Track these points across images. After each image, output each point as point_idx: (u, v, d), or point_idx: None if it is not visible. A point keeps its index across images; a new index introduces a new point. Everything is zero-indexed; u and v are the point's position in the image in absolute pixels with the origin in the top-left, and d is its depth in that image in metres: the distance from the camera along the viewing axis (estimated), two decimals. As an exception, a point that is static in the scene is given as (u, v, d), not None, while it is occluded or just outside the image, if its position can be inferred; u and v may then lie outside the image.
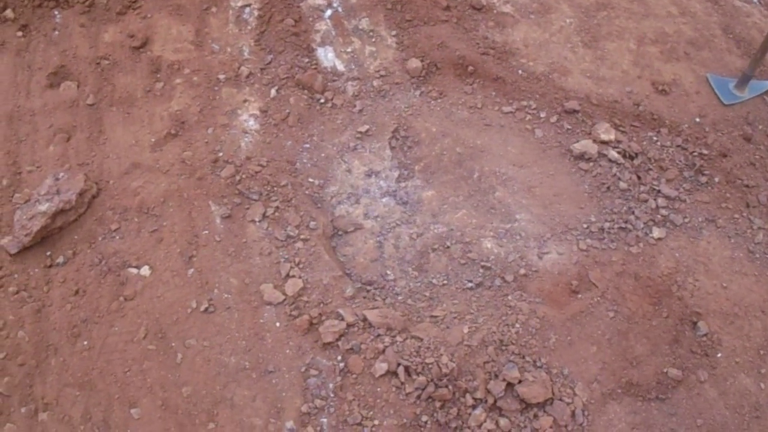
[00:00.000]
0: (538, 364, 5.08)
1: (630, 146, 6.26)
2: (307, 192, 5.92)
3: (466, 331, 5.11)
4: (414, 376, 4.86)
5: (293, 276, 5.36)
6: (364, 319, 5.14)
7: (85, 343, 5.16)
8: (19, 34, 6.77)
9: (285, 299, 5.26)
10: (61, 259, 5.48)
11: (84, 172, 5.78)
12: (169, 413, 4.89)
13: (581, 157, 6.22)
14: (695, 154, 6.33)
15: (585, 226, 5.86)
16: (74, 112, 6.27)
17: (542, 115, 6.54)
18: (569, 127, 6.47)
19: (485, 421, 4.85)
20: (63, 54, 6.63)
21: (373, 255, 5.71)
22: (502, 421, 4.86)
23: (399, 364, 4.89)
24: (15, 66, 6.55)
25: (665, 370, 5.21)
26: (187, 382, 4.98)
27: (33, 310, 5.29)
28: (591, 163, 6.19)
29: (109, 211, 5.70)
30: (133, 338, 5.15)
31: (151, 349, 5.10)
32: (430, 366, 4.87)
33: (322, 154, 6.20)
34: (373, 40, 6.96)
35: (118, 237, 5.58)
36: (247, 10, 6.97)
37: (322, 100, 6.52)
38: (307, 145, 6.22)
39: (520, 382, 4.92)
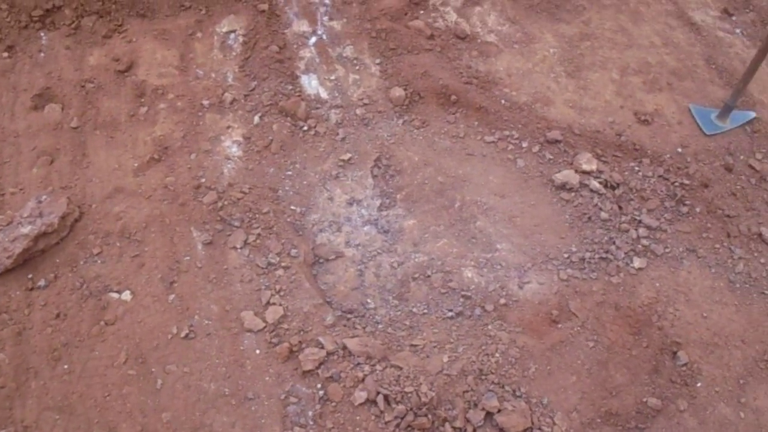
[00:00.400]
0: (518, 393, 5.08)
1: (612, 176, 6.29)
2: (288, 219, 5.92)
3: (445, 360, 5.11)
4: (393, 405, 4.86)
5: (274, 303, 5.36)
6: (344, 348, 5.14)
7: (66, 366, 5.14)
8: (5, 55, 6.78)
9: (265, 326, 5.25)
10: (42, 282, 5.47)
11: (67, 196, 5.77)
12: (149, 439, 4.89)
13: (563, 187, 6.24)
14: (677, 184, 6.35)
15: (566, 256, 5.88)
16: (58, 134, 6.28)
17: (524, 144, 6.56)
18: (551, 157, 6.49)
19: (464, 450, 4.87)
20: (48, 76, 6.64)
21: (354, 283, 5.72)
22: (482, 451, 4.87)
23: (378, 393, 4.89)
24: (0, 87, 6.54)
25: (645, 400, 5.22)
26: (166, 407, 4.96)
27: (14, 332, 5.27)
28: (572, 193, 6.21)
29: (91, 235, 5.69)
30: (113, 363, 5.13)
31: (132, 374, 5.09)
32: (409, 395, 4.87)
33: (305, 182, 6.21)
34: (357, 68, 6.98)
35: (99, 261, 5.57)
36: (232, 36, 7.00)
37: (305, 128, 6.53)
38: (290, 173, 6.23)
39: (499, 411, 4.92)
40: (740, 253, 6.06)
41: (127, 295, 5.43)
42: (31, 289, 5.47)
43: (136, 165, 6.10)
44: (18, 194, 5.91)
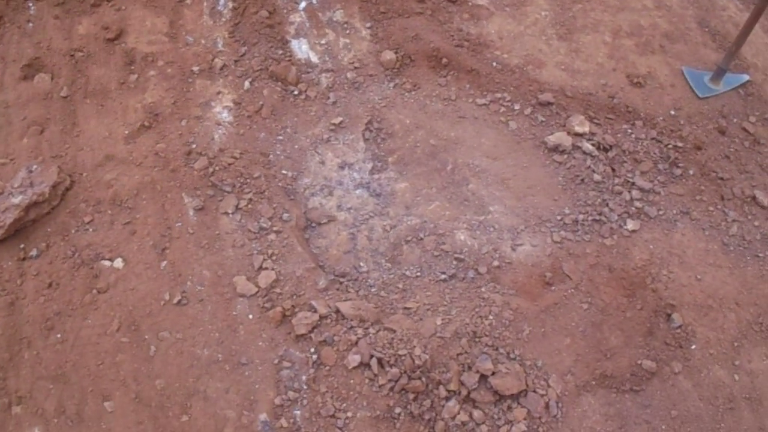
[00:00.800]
0: (512, 355, 5.07)
1: (604, 138, 6.27)
2: (280, 184, 5.90)
3: (439, 322, 5.10)
4: (387, 368, 4.86)
5: (266, 268, 5.35)
6: (337, 311, 5.13)
7: (59, 336, 5.14)
8: (-7, 26, 6.75)
9: (258, 291, 5.25)
10: (34, 252, 5.46)
11: (57, 165, 5.75)
12: (143, 406, 4.88)
13: (555, 149, 6.22)
14: (670, 146, 6.34)
15: (559, 218, 5.87)
16: (48, 104, 6.25)
17: (516, 107, 6.54)
18: (543, 119, 6.47)
19: (459, 413, 4.84)
20: (37, 46, 6.60)
21: (347, 247, 5.71)
22: (476, 413, 4.85)
23: (372, 356, 4.88)
24: (-11, 58, 6.53)
25: (639, 362, 5.22)
26: (160, 374, 4.96)
27: (6, 303, 5.26)
28: (565, 156, 6.20)
29: (82, 203, 5.67)
30: (106, 331, 5.13)
31: (125, 341, 5.08)
32: (403, 358, 4.86)
33: (296, 146, 6.19)
34: (348, 32, 6.95)
35: (91, 229, 5.56)
36: (222, 1, 6.96)
37: (296, 92, 6.51)
38: (281, 137, 6.21)
39: (493, 373, 4.91)
40: (734, 215, 6.04)
41: (119, 263, 5.41)
42: (23, 259, 5.46)
43: (126, 132, 6.08)
44: (9, 165, 5.89)
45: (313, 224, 5.82)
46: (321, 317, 5.09)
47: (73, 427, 4.85)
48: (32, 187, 5.50)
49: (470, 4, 7.14)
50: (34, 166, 5.67)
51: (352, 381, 4.86)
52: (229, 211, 5.61)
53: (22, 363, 5.07)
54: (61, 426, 4.86)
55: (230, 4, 6.93)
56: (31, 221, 5.54)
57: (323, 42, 6.86)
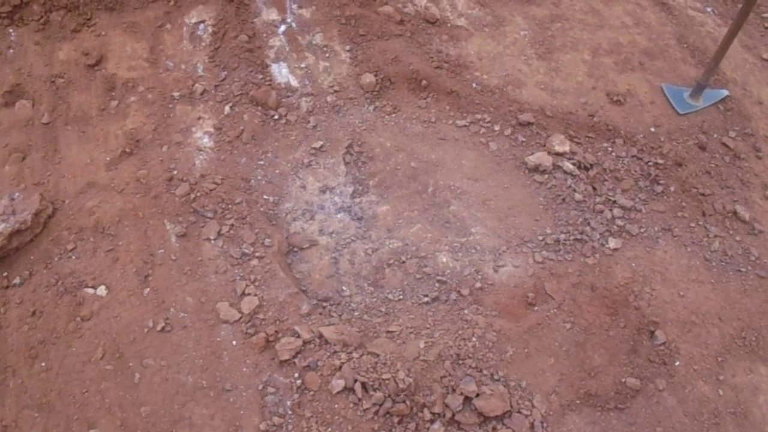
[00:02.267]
0: (496, 377, 5.08)
1: (585, 157, 6.29)
2: (261, 209, 5.91)
3: (422, 345, 5.11)
4: (371, 392, 4.86)
5: (249, 294, 5.35)
6: (321, 336, 5.14)
7: (43, 364, 5.12)
8: (-26, 52, 6.75)
9: (241, 317, 5.25)
10: (17, 280, 5.45)
11: (39, 192, 5.75)
12: (129, 433, 4.88)
13: (536, 169, 6.24)
14: (650, 163, 6.36)
15: (540, 238, 5.88)
16: (29, 131, 6.25)
17: (496, 128, 6.56)
18: (524, 139, 6.49)
19: (444, 436, 4.86)
20: (18, 72, 6.60)
21: (329, 271, 5.71)
22: (461, 435, 4.87)
23: (356, 381, 4.89)
24: (-30, 85, 6.53)
25: (624, 380, 5.24)
26: (145, 401, 4.95)
27: (-10, 332, 5.26)
28: (546, 175, 6.22)
29: (65, 231, 5.67)
30: (90, 359, 5.12)
31: (109, 369, 5.07)
32: (387, 382, 4.86)
33: (277, 171, 6.19)
34: (327, 55, 6.96)
35: (74, 257, 5.55)
36: (201, 26, 6.97)
37: (276, 117, 6.52)
38: (262, 162, 6.21)
39: (477, 395, 4.91)
40: (715, 231, 6.07)
41: (102, 290, 5.41)
42: (7, 287, 5.45)
43: (108, 159, 6.07)
44: (-10, 192, 5.89)
45: (295, 249, 5.82)
46: (304, 342, 5.10)
47: (59, 455, 4.85)
48: (14, 215, 5.49)
49: (449, 25, 7.17)
50: (16, 194, 5.66)
51: (336, 405, 4.86)
52: (212, 237, 5.61)
53: (6, 392, 5.06)
54: (47, 455, 4.86)
55: (210, 29, 6.94)
56: (14, 249, 5.54)
57: (303, 66, 6.87)
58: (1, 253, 5.46)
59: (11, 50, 6.77)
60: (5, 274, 5.48)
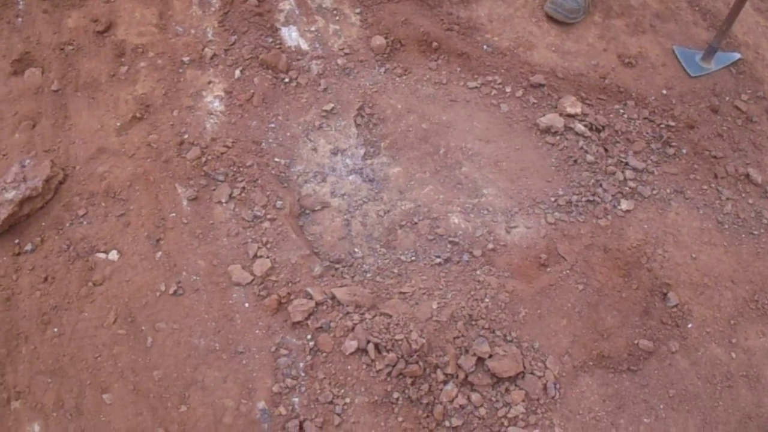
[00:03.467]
0: (509, 338, 5.07)
1: (596, 119, 6.26)
2: (273, 172, 5.89)
3: (435, 306, 5.10)
4: (384, 353, 4.85)
5: (261, 256, 5.34)
6: (333, 297, 5.13)
7: (56, 330, 5.12)
8: (-19, 23, 6.74)
9: (253, 279, 5.23)
10: (29, 247, 5.44)
11: (50, 159, 5.74)
12: (141, 397, 4.87)
13: (548, 130, 6.21)
14: (662, 126, 6.34)
15: (553, 199, 5.86)
16: (39, 98, 6.23)
17: (508, 89, 6.52)
18: (535, 101, 6.46)
19: (457, 396, 4.84)
20: (27, 41, 6.58)
21: (341, 233, 5.70)
22: (474, 396, 4.85)
23: (369, 342, 4.88)
24: (-22, 55, 6.52)
25: (636, 342, 5.22)
26: (157, 365, 4.95)
27: (2, 298, 5.24)
28: (557, 137, 6.19)
29: (76, 196, 5.66)
30: (102, 323, 5.11)
31: (121, 333, 5.07)
32: (399, 342, 4.86)
33: (288, 134, 6.17)
34: (337, 18, 6.93)
35: (85, 222, 5.54)
36: (210, -9, 6.96)
37: (287, 80, 6.49)
38: (272, 125, 6.19)
39: (490, 356, 4.90)
40: (728, 193, 6.05)
41: (114, 255, 5.40)
42: (18, 254, 5.44)
43: (118, 124, 6.06)
44: (1, 160, 5.86)
45: (307, 211, 5.80)
46: (317, 304, 5.09)
47: (72, 420, 4.84)
48: (25, 182, 5.48)
49: (460, -13, 7.14)
50: (27, 161, 5.65)
51: (349, 367, 4.86)
52: (223, 200, 5.60)
53: (19, 358, 5.06)
54: (60, 420, 4.85)
55: (219, -6, 6.93)
56: (25, 216, 5.52)
57: (313, 29, 6.85)
58: (13, 220, 5.45)
59: (19, 19, 6.75)
60: (17, 241, 5.48)
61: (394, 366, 4.82)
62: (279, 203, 5.64)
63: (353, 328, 4.96)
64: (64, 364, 5.00)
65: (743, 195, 6.07)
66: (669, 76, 6.66)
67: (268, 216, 5.56)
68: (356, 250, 5.63)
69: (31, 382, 4.97)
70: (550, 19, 6.98)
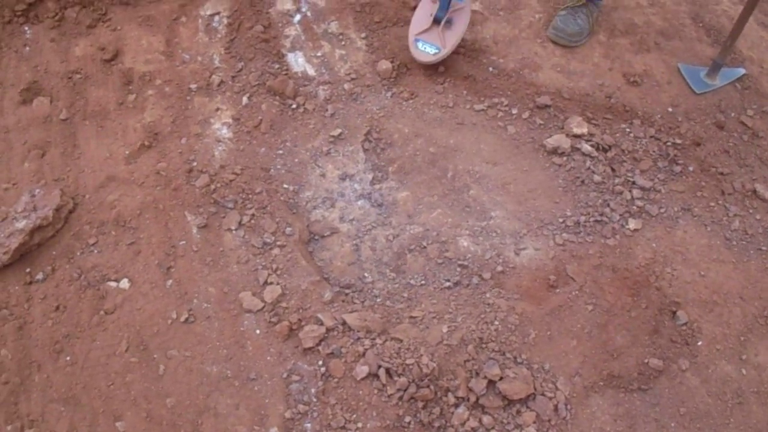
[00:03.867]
0: (519, 360, 5.08)
1: (603, 139, 6.27)
2: (282, 198, 5.90)
3: (445, 330, 5.10)
4: (395, 378, 4.85)
5: (271, 283, 5.35)
6: (344, 323, 5.13)
7: (68, 358, 5.14)
8: (-10, 51, 6.78)
9: (264, 306, 5.25)
10: (40, 276, 5.47)
11: (60, 188, 5.76)
12: (154, 425, 4.88)
13: (554, 151, 6.23)
14: (669, 144, 6.35)
15: (561, 220, 5.87)
16: (48, 127, 6.27)
17: (514, 111, 6.54)
18: (541, 122, 6.48)
19: (468, 419, 4.84)
20: (35, 70, 6.62)
21: (351, 258, 5.71)
22: (486, 419, 4.85)
23: (380, 366, 4.88)
24: (-13, 84, 6.55)
25: (646, 361, 5.22)
26: (170, 393, 4.97)
27: (14, 327, 5.27)
28: (564, 158, 6.20)
29: (86, 225, 5.68)
30: (115, 351, 5.13)
31: (134, 361, 5.09)
32: (410, 367, 4.86)
33: (296, 160, 6.19)
34: (343, 43, 6.96)
35: (96, 251, 5.57)
36: (217, 18, 6.97)
37: (294, 106, 6.51)
38: (281, 151, 6.21)
39: (501, 379, 4.90)
40: (735, 210, 6.05)
41: (125, 283, 5.42)
42: (30, 283, 5.47)
43: (127, 153, 6.09)
44: (11, 189, 5.90)
45: (317, 237, 5.82)
46: (328, 330, 5.09)
47: (86, 449, 4.87)
48: (35, 211, 5.51)
49: (464, 10, 7.16)
50: (37, 190, 5.68)
51: (361, 392, 4.87)
52: (233, 228, 5.62)
53: (32, 386, 5.08)
54: (74, 448, 4.89)
55: (225, 20, 6.94)
56: (36, 245, 5.55)
57: (319, 54, 6.87)
58: (24, 250, 5.48)
59: (27, 48, 6.79)
60: (28, 270, 5.50)
61: (405, 390, 4.82)
62: (288, 230, 5.66)
63: (364, 354, 4.96)
64: (77, 392, 5.02)
65: (751, 211, 6.07)
66: (674, 93, 6.68)
67: (278, 242, 5.58)
68: (366, 275, 5.64)
69: (44, 410, 4.99)
70: (554, 43, 7.01)
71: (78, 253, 5.56)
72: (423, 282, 5.60)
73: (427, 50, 6.42)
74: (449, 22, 6.56)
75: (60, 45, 6.79)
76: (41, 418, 4.97)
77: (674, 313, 5.44)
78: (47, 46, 6.78)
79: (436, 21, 6.49)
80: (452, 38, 6.55)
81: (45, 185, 5.84)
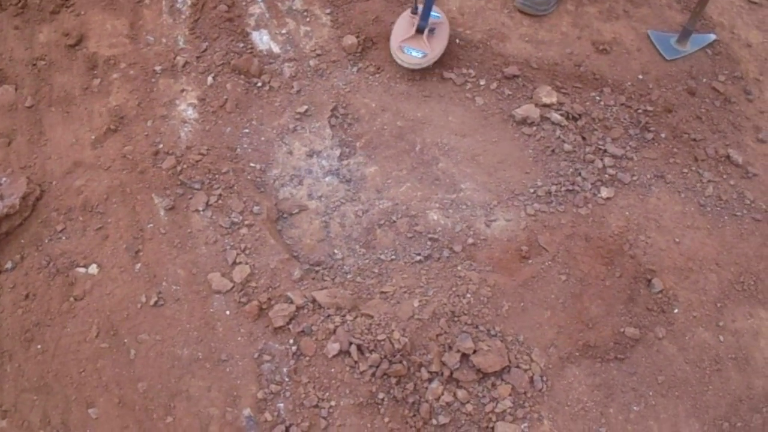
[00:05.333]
0: (492, 332, 5.05)
1: (573, 108, 6.25)
2: (249, 177, 5.86)
3: (416, 304, 5.07)
4: (367, 354, 4.82)
5: (240, 263, 5.31)
6: (314, 301, 5.10)
7: (39, 346, 5.10)
8: (-47, 40, 6.71)
9: (233, 286, 5.20)
10: (9, 265, 5.42)
11: (26, 175, 5.71)
12: (127, 410, 4.85)
13: (524, 122, 6.19)
14: (640, 111, 6.33)
15: (532, 190, 5.85)
16: (13, 115, 6.21)
17: (482, 82, 6.51)
18: (510, 92, 6.44)
19: (443, 394, 4.82)
20: (-1, 58, 6.57)
21: (320, 235, 5.67)
22: (460, 393, 4.83)
23: (351, 343, 4.85)
24: (-49, 74, 6.49)
25: (622, 330, 5.20)
26: (142, 377, 4.93)
27: (-16, 317, 5.24)
28: (534, 128, 6.17)
29: (53, 212, 5.64)
30: (85, 338, 5.09)
31: (104, 347, 5.04)
32: (382, 343, 4.83)
33: (262, 138, 6.15)
34: (308, 19, 6.90)
35: (64, 237, 5.52)
36: (180, -1, 6.94)
37: (260, 84, 6.47)
38: (247, 130, 6.17)
39: (474, 352, 4.88)
40: (709, 176, 6.03)
41: (93, 269, 5.37)
42: (-1, 273, 5.43)
43: (93, 137, 6.03)
44: (-23, 180, 5.87)
45: (285, 215, 5.78)
46: (298, 308, 5.06)
47: (60, 437, 4.83)
48: (2, 200, 5.46)
49: (429, -18, 7.12)
50: (3, 179, 5.63)
51: (333, 370, 4.83)
52: (200, 209, 5.57)
53: (4, 377, 5.04)
54: (48, 437, 4.85)
55: (189, 1, 6.87)
56: (4, 234, 5.50)
57: (284, 32, 6.82)
58: (-8, 239, 5.45)
59: (-10, 36, 6.75)
60: (-4, 259, 5.47)
61: (377, 367, 4.79)
62: (256, 208, 5.61)
63: (335, 331, 4.93)
64: (49, 380, 4.98)
65: (724, 177, 6.06)
66: (645, 60, 6.65)
67: (246, 222, 5.54)
68: (336, 251, 5.61)
69: (17, 400, 4.95)
70: (522, 13, 6.96)
71: (46, 241, 5.51)
72: (393, 257, 5.57)
73: (413, 54, 6.39)
74: (431, 32, 6.53)
75: (23, 32, 6.72)
76: (14, 408, 4.94)
77: (649, 281, 5.42)
78: (11, 33, 6.71)
79: (420, 30, 6.47)
80: (438, 45, 6.53)
81: (11, 174, 5.78)
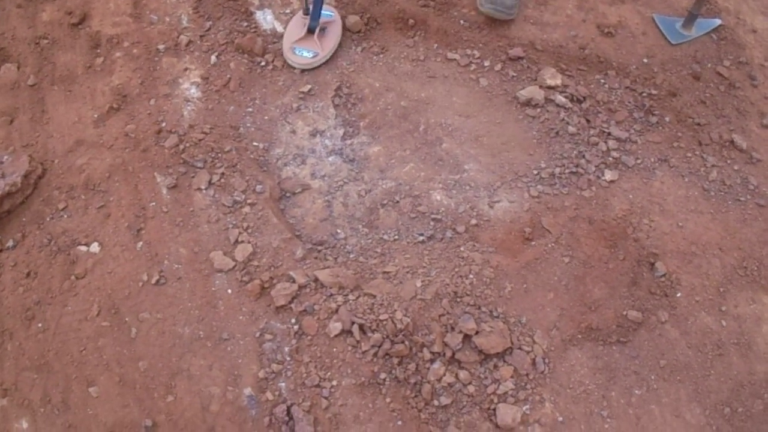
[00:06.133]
0: (495, 314, 5.04)
1: (577, 90, 6.23)
2: (252, 156, 5.85)
3: (419, 285, 5.07)
4: (369, 334, 4.82)
5: (242, 241, 5.30)
6: (316, 280, 5.09)
7: (40, 325, 5.09)
8: (-45, 20, 6.70)
9: (235, 265, 5.20)
10: (10, 243, 5.41)
11: (28, 154, 5.70)
12: (128, 389, 4.84)
13: (528, 103, 6.17)
14: (644, 94, 6.31)
15: (535, 172, 5.83)
16: (16, 94, 6.20)
17: (486, 63, 6.49)
18: (514, 74, 6.43)
19: (445, 375, 4.81)
20: (1, 36, 6.55)
21: (323, 215, 5.66)
22: (462, 374, 4.82)
23: (353, 323, 4.84)
24: (-47, 53, 6.48)
25: (625, 313, 5.19)
26: (143, 356, 4.92)
27: (-15, 296, 5.23)
28: (538, 109, 6.15)
29: (55, 190, 5.62)
30: (86, 316, 5.08)
31: (105, 325, 5.04)
32: (384, 322, 4.82)
33: (266, 117, 6.13)
34: (312, -2, 6.90)
35: (66, 216, 5.51)
36: (184, -23, 6.91)
37: (263, 63, 6.45)
38: (250, 109, 6.16)
39: (477, 333, 4.87)
40: (713, 160, 6.01)
41: (95, 247, 5.37)
42: (0, 251, 5.41)
43: (95, 116, 6.02)
44: (-21, 158, 5.85)
45: (288, 194, 5.76)
46: (300, 287, 5.05)
47: (60, 415, 4.81)
48: (4, 178, 5.45)
49: (435, -37, 7.09)
50: (5, 157, 5.62)
51: (335, 349, 4.83)
52: (202, 187, 5.56)
53: (5, 355, 5.03)
54: (48, 415, 4.83)
55: (193, -20, 6.88)
56: (6, 212, 5.50)
57: (288, 11, 6.80)
58: (-7, 217, 5.44)
59: (-7, 15, 6.73)
60: (-2, 237, 5.46)
61: (379, 346, 4.78)
62: (259, 187, 5.60)
63: (337, 310, 4.93)
64: (49, 359, 4.98)
65: (728, 161, 6.03)
66: (650, 44, 6.62)
67: (248, 201, 5.52)
68: (338, 231, 5.60)
69: (17, 378, 4.94)
70: (490, 18, 6.89)
71: (48, 219, 5.50)
72: (396, 237, 5.55)
73: (304, 54, 6.39)
74: (322, 32, 6.54)
75: (27, 11, 6.71)
76: (14, 387, 4.94)
77: (652, 264, 5.41)
78: (14, 12, 6.70)
79: (311, 30, 6.49)
80: (328, 44, 6.57)
81: (14, 152, 5.78)
